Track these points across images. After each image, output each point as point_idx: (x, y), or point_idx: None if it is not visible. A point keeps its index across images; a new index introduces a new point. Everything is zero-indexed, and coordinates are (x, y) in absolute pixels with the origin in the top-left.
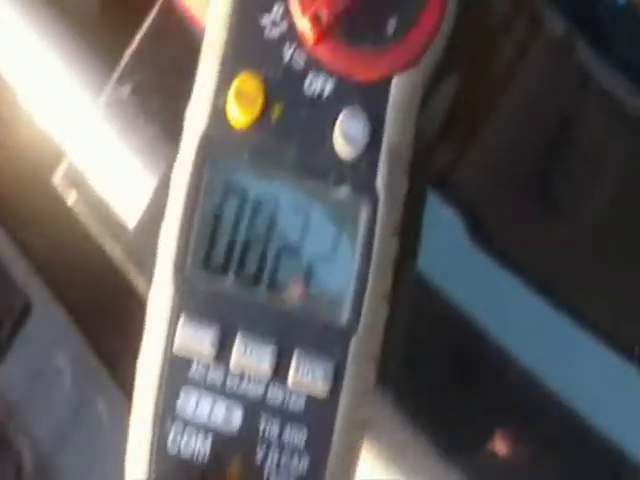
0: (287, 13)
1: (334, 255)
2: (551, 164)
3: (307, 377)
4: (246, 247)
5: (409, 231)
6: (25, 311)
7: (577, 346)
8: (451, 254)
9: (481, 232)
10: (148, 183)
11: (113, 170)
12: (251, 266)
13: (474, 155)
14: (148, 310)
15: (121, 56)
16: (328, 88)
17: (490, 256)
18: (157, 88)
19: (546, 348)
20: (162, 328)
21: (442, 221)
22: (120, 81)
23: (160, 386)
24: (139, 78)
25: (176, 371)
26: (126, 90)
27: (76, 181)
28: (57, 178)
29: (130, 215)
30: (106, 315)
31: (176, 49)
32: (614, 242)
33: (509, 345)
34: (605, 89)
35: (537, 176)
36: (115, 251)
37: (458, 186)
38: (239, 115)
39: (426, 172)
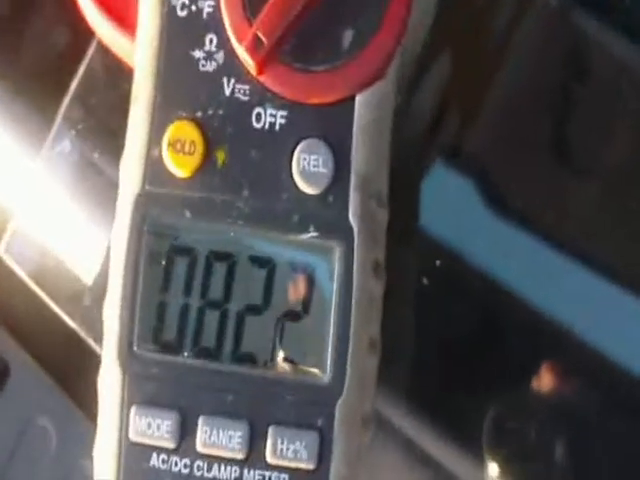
0: (223, 41)
1: (307, 308)
2: (562, 122)
3: (288, 454)
4: (201, 314)
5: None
6: (3, 373)
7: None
8: (468, 221)
9: (496, 196)
10: (102, 240)
11: (63, 229)
12: (209, 336)
13: (482, 122)
14: (99, 394)
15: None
16: (280, 119)
17: (507, 218)
18: (100, 135)
19: (571, 308)
20: (114, 416)
21: (456, 191)
22: (59, 134)
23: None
24: (79, 127)
25: (135, 462)
26: (67, 142)
27: (24, 249)
28: (2, 249)
29: (86, 276)
30: (87, 373)
31: (113, 95)
32: (629, 196)
33: (534, 306)
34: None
35: (548, 134)
36: (74, 318)
37: (470, 154)
38: (177, 166)
39: (419, 170)
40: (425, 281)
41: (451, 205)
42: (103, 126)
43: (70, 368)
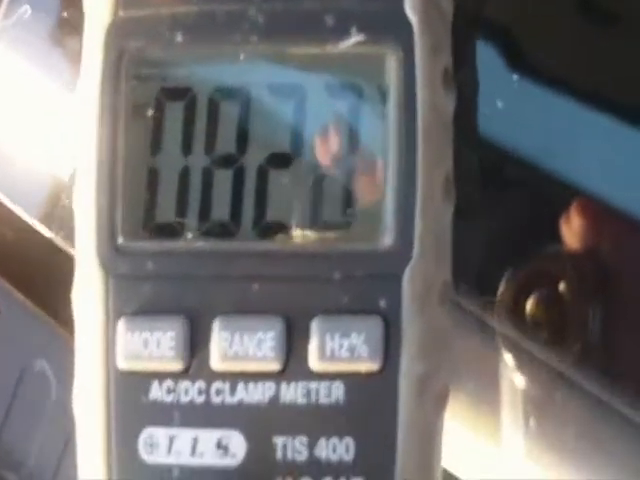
0: None
1: (355, 146)
2: None
3: (341, 353)
4: (208, 177)
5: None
6: None
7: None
8: (493, 87)
9: (521, 57)
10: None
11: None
12: (222, 205)
13: None
14: (74, 311)
15: None
16: None
17: (533, 80)
18: None
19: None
20: (96, 337)
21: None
22: None
23: (108, 425)
24: None
25: (129, 396)
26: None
27: None
28: None
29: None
30: None
31: None
32: None
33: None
34: None
35: None
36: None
37: (491, 18)
38: None
39: None
40: None
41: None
42: None
43: (62, 303)
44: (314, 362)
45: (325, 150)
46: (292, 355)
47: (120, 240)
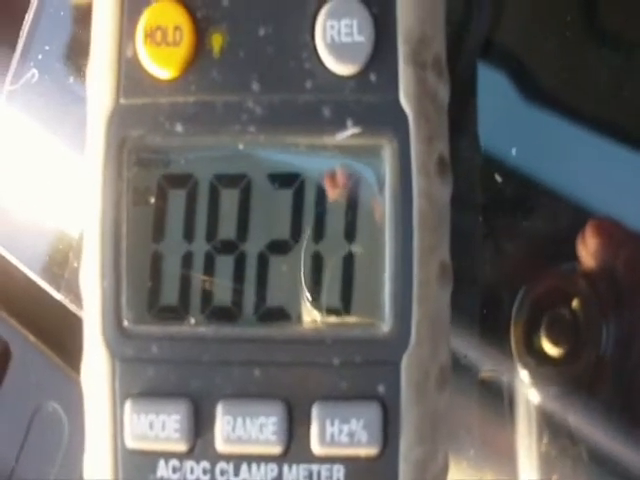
0: None
1: (352, 235)
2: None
3: (341, 438)
4: (210, 263)
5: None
6: (5, 355)
7: None
8: (505, 114)
9: (532, 83)
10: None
11: (40, 180)
12: (223, 291)
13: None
14: (83, 389)
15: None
16: None
17: (544, 106)
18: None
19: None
20: (104, 417)
21: (490, 85)
22: (22, 61)
23: None
24: (46, 49)
25: (136, 474)
26: (33, 70)
27: None
28: None
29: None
30: None
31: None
32: None
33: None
34: None
35: (581, 11)
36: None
37: (501, 45)
38: (160, 64)
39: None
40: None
41: (488, 101)
42: (77, 42)
43: (73, 345)
44: (315, 446)
45: (324, 237)
46: (294, 439)
47: (125, 323)
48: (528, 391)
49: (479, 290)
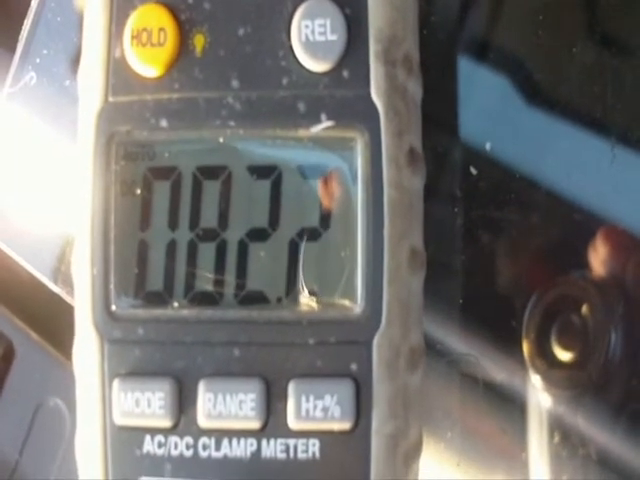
0: None
1: (327, 222)
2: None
3: (316, 413)
4: (193, 250)
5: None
6: (8, 353)
7: None
8: (505, 117)
9: (533, 86)
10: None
11: (40, 178)
12: (206, 276)
13: (511, 11)
14: (74, 370)
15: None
16: None
17: (546, 109)
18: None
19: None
20: (94, 396)
21: (490, 87)
22: (21, 65)
23: (106, 474)
24: (44, 53)
25: (124, 449)
26: (31, 73)
27: None
28: None
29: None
30: None
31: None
32: None
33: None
34: None
35: (584, 14)
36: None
37: (501, 47)
38: (146, 63)
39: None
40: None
41: (485, 102)
42: (73, 47)
43: (71, 335)
44: (291, 421)
45: (300, 225)
46: (271, 414)
47: (114, 308)
48: (539, 394)
49: (459, 279)
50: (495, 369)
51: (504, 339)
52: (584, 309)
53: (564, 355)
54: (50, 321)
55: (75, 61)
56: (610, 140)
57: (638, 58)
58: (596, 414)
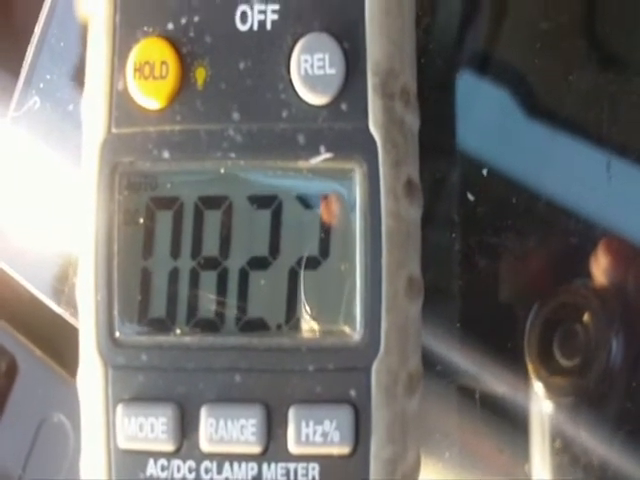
0: None
1: (326, 251)
2: (593, 15)
3: (315, 438)
4: (195, 278)
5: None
6: (12, 369)
7: None
8: (504, 130)
9: (532, 100)
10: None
11: (42, 201)
12: (207, 304)
13: (510, 26)
14: (79, 395)
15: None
16: (271, 15)
17: (545, 122)
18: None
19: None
20: (98, 421)
21: (490, 101)
22: (25, 89)
23: None
24: (48, 77)
25: (128, 473)
26: (35, 98)
27: None
28: None
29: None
30: None
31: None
32: None
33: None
34: None
35: (581, 27)
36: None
37: (501, 61)
38: (148, 96)
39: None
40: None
41: (486, 116)
42: (76, 72)
43: (77, 358)
44: (292, 446)
45: (300, 253)
46: (272, 439)
47: (117, 334)
48: (541, 402)
49: (456, 304)
50: (494, 386)
51: (503, 357)
52: (586, 317)
53: (566, 362)
54: (53, 338)
55: (78, 87)
56: (608, 154)
57: (638, 73)
58: (597, 421)
